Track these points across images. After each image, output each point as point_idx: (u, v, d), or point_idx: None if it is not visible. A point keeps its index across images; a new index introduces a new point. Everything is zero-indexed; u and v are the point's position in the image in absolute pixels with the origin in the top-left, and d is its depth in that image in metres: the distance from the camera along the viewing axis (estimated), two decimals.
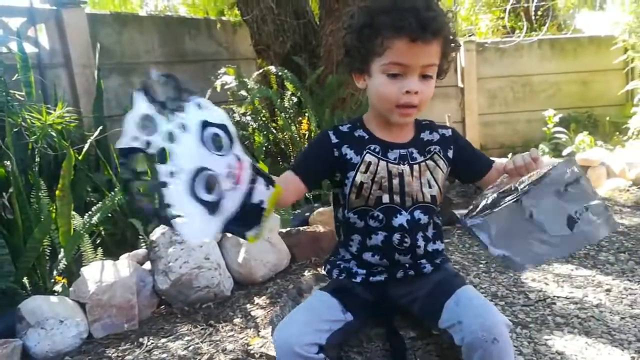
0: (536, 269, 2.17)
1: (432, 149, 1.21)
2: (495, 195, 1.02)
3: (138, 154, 0.78)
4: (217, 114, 0.86)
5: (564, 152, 3.97)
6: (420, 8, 1.05)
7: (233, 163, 0.85)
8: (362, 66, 1.15)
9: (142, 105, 0.80)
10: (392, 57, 1.07)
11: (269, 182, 0.91)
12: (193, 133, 0.82)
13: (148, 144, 0.78)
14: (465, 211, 1.04)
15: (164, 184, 0.77)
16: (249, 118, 3.16)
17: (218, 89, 3.16)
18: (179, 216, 0.79)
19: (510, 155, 4.18)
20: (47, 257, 2.05)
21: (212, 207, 0.82)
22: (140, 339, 1.84)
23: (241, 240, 2.21)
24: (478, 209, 1.01)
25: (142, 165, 0.78)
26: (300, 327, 1.08)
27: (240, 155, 0.87)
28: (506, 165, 1.11)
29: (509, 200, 0.98)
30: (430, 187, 1.19)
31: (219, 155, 0.84)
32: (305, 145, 1.31)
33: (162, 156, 0.79)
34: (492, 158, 1.31)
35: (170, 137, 0.80)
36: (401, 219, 1.17)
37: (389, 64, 1.08)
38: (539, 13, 5.77)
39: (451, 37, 1.13)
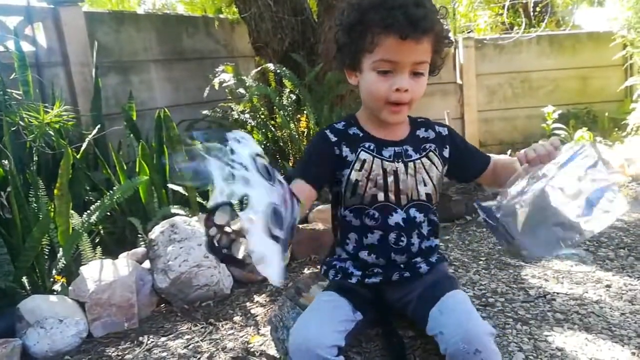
0: (539, 264, 2.17)
1: (427, 147, 1.20)
2: (521, 183, 1.03)
3: (226, 207, 0.75)
4: (253, 142, 0.84)
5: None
6: (410, 5, 1.04)
7: (280, 189, 0.83)
8: (353, 63, 1.14)
9: (215, 164, 0.76)
10: (382, 54, 1.07)
11: (297, 199, 0.88)
12: (252, 170, 0.79)
13: (232, 195, 0.76)
14: (492, 202, 1.03)
15: (246, 231, 0.75)
16: (247, 116, 3.16)
17: (216, 87, 3.16)
18: (262, 261, 0.77)
19: (509, 152, 4.18)
20: (46, 257, 2.04)
21: (284, 243, 0.80)
22: (140, 338, 1.84)
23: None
24: (506, 200, 1.02)
25: (224, 218, 0.76)
26: (319, 329, 1.06)
27: (280, 178, 0.84)
28: (528, 155, 1.07)
29: (534, 190, 1.00)
30: (425, 184, 1.18)
31: (272, 185, 0.81)
32: (305, 150, 1.28)
33: (242, 203, 0.77)
34: (490, 155, 1.30)
35: (245, 182, 0.77)
36: (397, 218, 1.17)
37: (378, 61, 1.08)
38: (538, 9, 5.76)
39: (443, 34, 1.12)
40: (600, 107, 4.72)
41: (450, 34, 1.17)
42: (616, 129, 4.43)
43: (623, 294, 1.88)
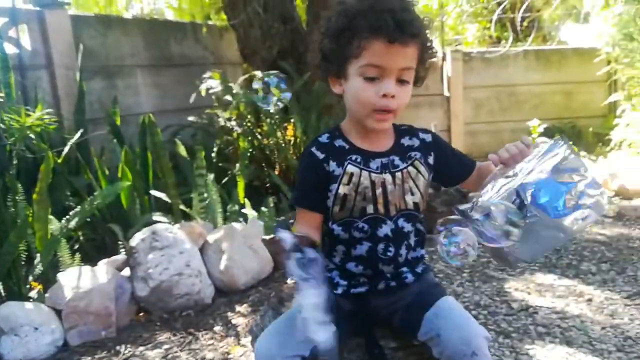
0: (522, 277, 2.17)
1: (412, 155, 1.19)
2: (496, 183, 1.01)
3: None
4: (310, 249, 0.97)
5: None
6: (398, 10, 1.05)
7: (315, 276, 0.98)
8: (338, 69, 1.13)
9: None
10: (369, 59, 1.06)
11: (316, 245, 1.00)
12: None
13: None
14: (468, 205, 1.01)
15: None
16: (233, 123, 3.14)
17: (203, 94, 3.14)
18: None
19: None
20: (23, 262, 1.99)
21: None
22: (118, 347, 1.80)
23: (223, 246, 2.19)
24: (481, 201, 0.99)
25: None
26: (282, 339, 1.07)
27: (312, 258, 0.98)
28: (500, 155, 1.08)
29: (509, 189, 0.97)
30: (412, 194, 1.17)
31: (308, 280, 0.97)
32: (298, 174, 1.27)
33: None
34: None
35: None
36: (386, 229, 1.16)
37: (365, 66, 1.07)
38: (525, 24, 5.83)
39: (428, 43, 1.12)
40: (585, 122, 4.78)
41: (435, 45, 1.17)
42: (600, 143, 4.49)
43: (604, 308, 1.89)
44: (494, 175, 1.06)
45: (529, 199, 0.96)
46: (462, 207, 1.01)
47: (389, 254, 1.16)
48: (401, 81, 1.09)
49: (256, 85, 1.25)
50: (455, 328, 1.03)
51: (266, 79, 1.24)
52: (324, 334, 0.93)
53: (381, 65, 1.06)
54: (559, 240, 1.02)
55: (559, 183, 0.97)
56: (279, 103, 1.26)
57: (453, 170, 1.26)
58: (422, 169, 1.19)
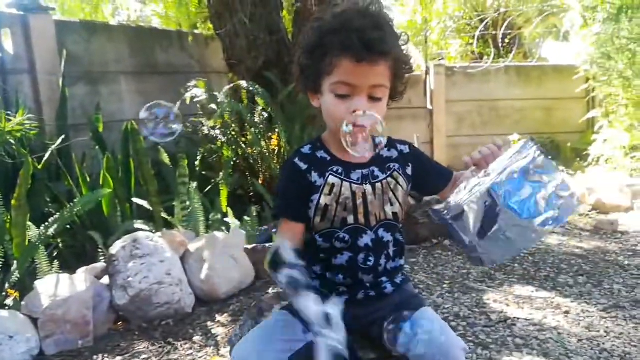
0: (501, 288, 2.20)
1: (391, 166, 1.21)
2: (468, 184, 1.01)
3: None
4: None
5: None
6: (367, 29, 1.06)
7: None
8: (314, 85, 1.15)
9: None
10: (339, 76, 1.07)
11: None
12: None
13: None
14: (442, 205, 1.02)
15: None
16: (218, 132, 3.14)
17: (188, 102, 3.13)
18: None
19: None
20: (0, 269, 1.96)
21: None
22: (95, 357, 1.77)
23: (204, 255, 2.18)
24: (454, 201, 1.00)
25: None
26: (259, 347, 1.07)
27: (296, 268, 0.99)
28: (473, 157, 1.10)
29: (481, 189, 0.98)
30: (392, 204, 1.19)
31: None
32: (280, 184, 1.28)
33: None
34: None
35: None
36: (366, 239, 1.17)
37: (336, 83, 1.08)
38: (507, 41, 5.96)
39: (403, 59, 1.13)
40: (564, 138, 4.89)
41: (416, 59, 1.19)
42: (578, 159, 4.58)
43: (581, 320, 1.92)
44: (467, 177, 1.07)
45: (501, 199, 0.97)
46: (437, 207, 1.02)
47: (369, 263, 1.17)
48: (373, 98, 1.11)
49: (143, 115, 1.19)
50: (432, 340, 1.04)
51: (155, 109, 1.20)
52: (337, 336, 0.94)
53: (351, 83, 1.08)
54: (531, 240, 1.03)
55: (529, 183, 0.98)
56: (168, 136, 1.20)
57: (431, 180, 1.28)
58: (401, 179, 1.21)
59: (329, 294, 1.18)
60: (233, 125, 3.19)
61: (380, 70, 1.09)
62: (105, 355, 1.78)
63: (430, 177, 1.27)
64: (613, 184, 3.53)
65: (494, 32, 5.84)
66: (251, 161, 3.17)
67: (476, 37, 5.64)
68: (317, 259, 1.21)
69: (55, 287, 1.88)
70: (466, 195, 0.99)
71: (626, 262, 2.50)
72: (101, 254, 2.23)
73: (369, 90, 1.09)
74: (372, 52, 1.05)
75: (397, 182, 1.20)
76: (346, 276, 1.18)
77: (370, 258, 1.17)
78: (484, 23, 5.61)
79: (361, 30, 1.05)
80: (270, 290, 2.22)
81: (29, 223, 2.03)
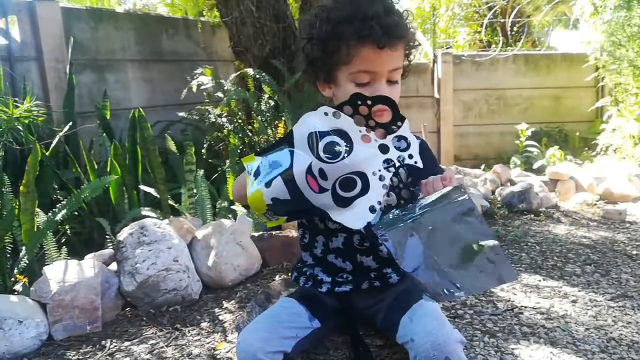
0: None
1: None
2: (399, 211, 0.95)
3: None
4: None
5: (535, 166, 4.04)
6: (381, 14, 1.05)
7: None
8: (327, 76, 1.13)
9: None
10: (360, 65, 1.07)
11: None
12: None
13: None
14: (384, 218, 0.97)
15: None
16: (224, 120, 3.13)
17: (194, 89, 3.13)
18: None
19: (482, 167, 4.24)
20: (8, 255, 1.97)
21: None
22: (103, 342, 1.78)
23: (211, 242, 2.18)
24: (382, 222, 0.95)
25: None
26: (265, 334, 1.07)
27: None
28: (425, 181, 1.08)
29: (408, 219, 0.91)
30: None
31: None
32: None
33: None
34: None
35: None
36: None
37: (357, 73, 1.07)
38: (515, 29, 5.90)
39: (413, 38, 1.13)
40: (572, 127, 4.85)
41: (425, 46, 1.19)
42: (586, 148, 4.55)
43: (588, 309, 1.91)
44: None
45: (424, 241, 0.90)
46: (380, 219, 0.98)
47: (366, 244, 1.18)
48: (391, 82, 1.10)
49: None
50: (429, 333, 1.03)
51: None
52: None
53: (372, 70, 1.07)
54: (448, 294, 0.93)
55: (458, 230, 0.89)
56: None
57: (425, 176, 1.26)
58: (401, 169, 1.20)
59: (335, 278, 1.18)
60: (239, 113, 3.19)
61: (398, 54, 1.09)
62: (114, 340, 1.79)
63: (426, 173, 1.26)
64: (621, 173, 3.50)
65: (502, 20, 5.78)
66: (258, 149, 3.17)
67: (484, 25, 5.58)
68: (317, 240, 1.22)
69: (64, 273, 1.89)
70: (398, 219, 0.93)
71: (634, 252, 2.49)
72: (109, 240, 2.24)
73: (388, 74, 1.09)
74: (391, 37, 1.04)
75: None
76: (345, 259, 1.19)
77: (366, 241, 1.18)
78: (492, 11, 5.56)
79: (377, 16, 1.04)
80: (277, 278, 2.22)
81: (38, 209, 2.04)
